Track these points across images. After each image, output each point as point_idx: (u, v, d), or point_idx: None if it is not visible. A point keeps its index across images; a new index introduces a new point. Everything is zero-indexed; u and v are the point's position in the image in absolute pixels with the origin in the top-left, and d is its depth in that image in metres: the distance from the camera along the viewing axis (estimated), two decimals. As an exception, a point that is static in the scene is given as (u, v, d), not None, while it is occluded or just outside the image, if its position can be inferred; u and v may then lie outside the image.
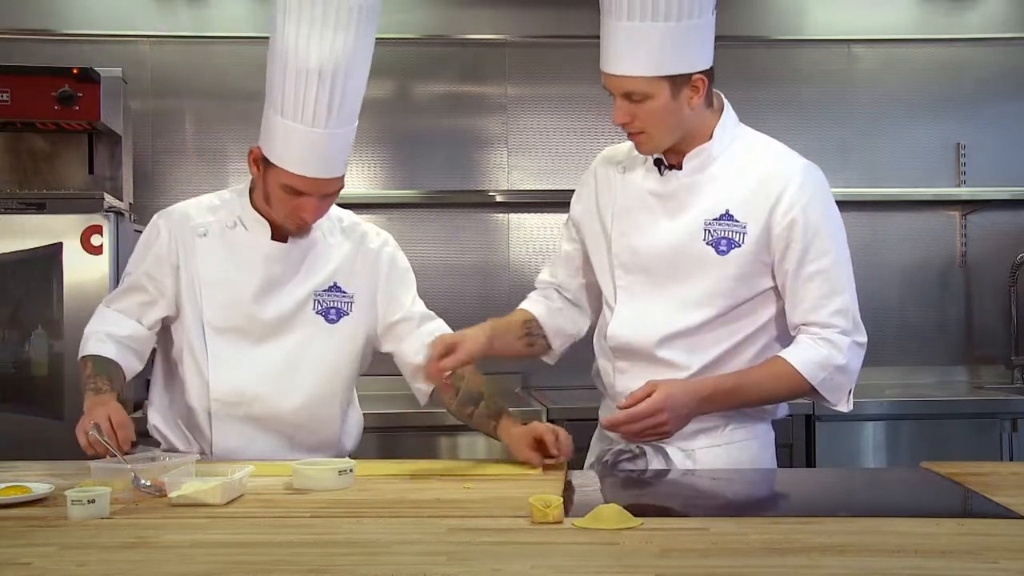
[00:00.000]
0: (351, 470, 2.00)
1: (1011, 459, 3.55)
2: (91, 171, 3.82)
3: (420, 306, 2.48)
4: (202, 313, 2.31)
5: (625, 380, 2.18)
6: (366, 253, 2.42)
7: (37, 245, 3.38)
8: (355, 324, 2.39)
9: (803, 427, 3.55)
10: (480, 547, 1.51)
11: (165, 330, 2.40)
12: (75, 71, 3.55)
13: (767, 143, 2.21)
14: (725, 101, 2.19)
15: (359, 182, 4.16)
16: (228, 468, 1.94)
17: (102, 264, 3.37)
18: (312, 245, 2.36)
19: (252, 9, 4.08)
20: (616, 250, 2.20)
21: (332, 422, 2.41)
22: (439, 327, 2.44)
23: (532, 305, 2.38)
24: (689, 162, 2.15)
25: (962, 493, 1.91)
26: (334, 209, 2.42)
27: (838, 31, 4.31)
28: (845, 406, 2.16)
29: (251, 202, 2.34)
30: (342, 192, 4.09)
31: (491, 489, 1.94)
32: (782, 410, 2.27)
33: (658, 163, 2.18)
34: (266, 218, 2.32)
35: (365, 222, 2.50)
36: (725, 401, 2.11)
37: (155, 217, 2.40)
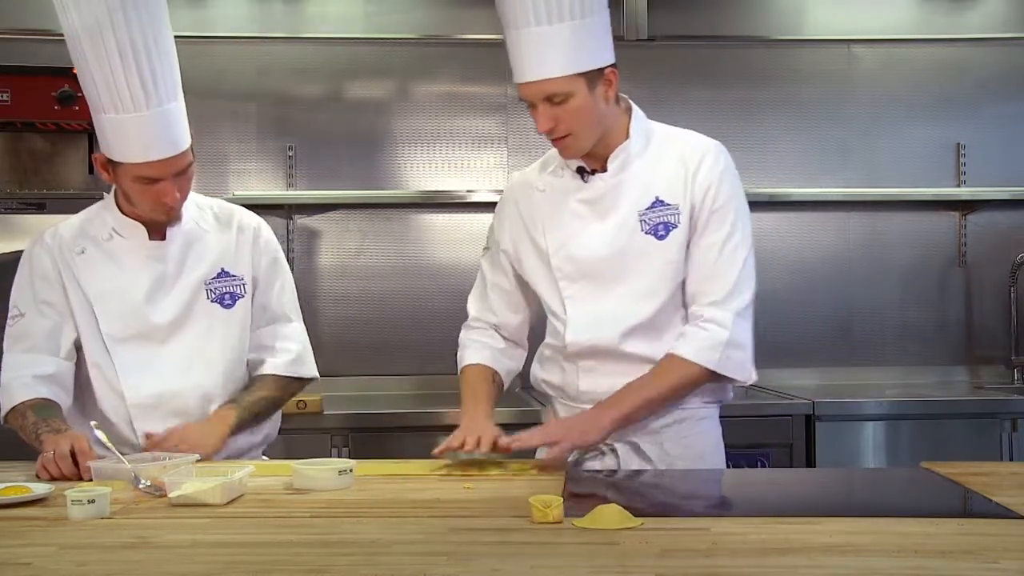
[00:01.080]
0: (351, 470, 2.00)
1: (1011, 459, 3.54)
2: (91, 171, 3.81)
3: (287, 299, 2.50)
4: (99, 327, 2.30)
5: (591, 379, 2.25)
6: (244, 236, 2.44)
7: (37, 245, 3.38)
8: (249, 305, 2.43)
9: (803, 427, 3.55)
10: (480, 547, 1.51)
11: None
12: (75, 71, 3.54)
13: (678, 130, 2.31)
14: (630, 100, 2.28)
15: (359, 182, 4.16)
16: (228, 468, 1.94)
17: (102, 264, 3.36)
18: (191, 237, 2.38)
19: (252, 9, 4.08)
20: (556, 263, 2.26)
21: None
22: (292, 332, 2.48)
23: (479, 354, 2.39)
24: (613, 162, 2.23)
25: (962, 493, 1.91)
26: (202, 199, 2.45)
27: (838, 31, 4.31)
28: (751, 378, 2.23)
29: (120, 209, 2.35)
30: (342, 192, 4.08)
31: (491, 489, 1.94)
32: (728, 395, 2.34)
33: (580, 171, 2.25)
34: (138, 221, 2.33)
35: (234, 206, 2.52)
36: (619, 405, 2.16)
37: (28, 247, 2.39)
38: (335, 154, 4.19)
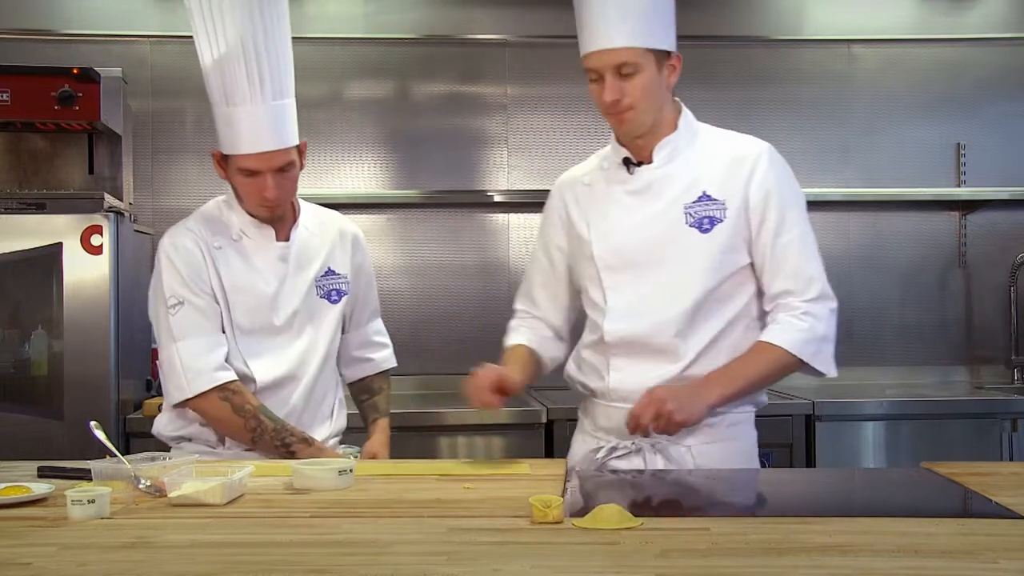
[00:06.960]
0: (351, 470, 2.00)
1: (1011, 459, 3.55)
2: (91, 171, 3.81)
3: (375, 297, 2.73)
4: (231, 317, 2.43)
5: (621, 376, 2.24)
6: (344, 237, 2.62)
7: (37, 245, 3.38)
8: (346, 303, 2.60)
9: (803, 427, 3.55)
10: (480, 547, 1.51)
11: None
12: (75, 71, 3.55)
13: (726, 131, 2.33)
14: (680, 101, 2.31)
15: (360, 182, 4.17)
16: (228, 468, 1.94)
17: (102, 264, 3.37)
18: (304, 237, 2.53)
19: (252, 9, 4.08)
20: (599, 253, 2.26)
21: (335, 392, 2.60)
22: (379, 328, 2.75)
23: (522, 336, 2.44)
24: (659, 153, 2.25)
25: (962, 493, 1.91)
26: (309, 206, 2.60)
27: (838, 31, 4.32)
28: (833, 372, 2.27)
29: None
30: (343, 192, 4.09)
31: (491, 489, 1.94)
32: (764, 399, 2.34)
33: (626, 162, 2.27)
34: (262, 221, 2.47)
35: (329, 210, 2.67)
36: (724, 382, 2.17)
37: (171, 238, 2.45)
38: (334, 154, 4.19)
